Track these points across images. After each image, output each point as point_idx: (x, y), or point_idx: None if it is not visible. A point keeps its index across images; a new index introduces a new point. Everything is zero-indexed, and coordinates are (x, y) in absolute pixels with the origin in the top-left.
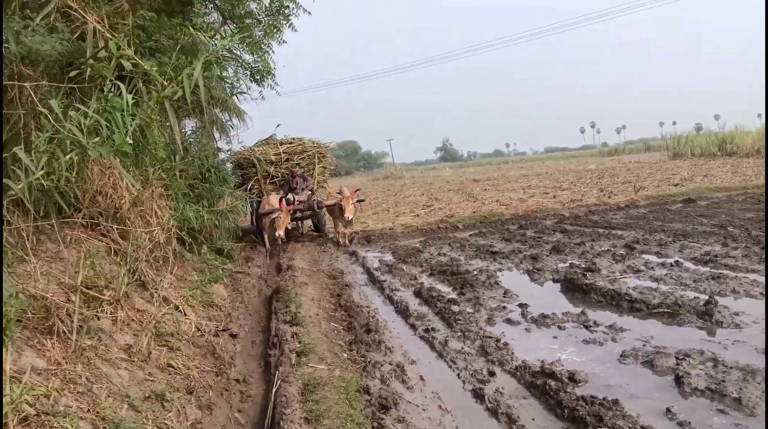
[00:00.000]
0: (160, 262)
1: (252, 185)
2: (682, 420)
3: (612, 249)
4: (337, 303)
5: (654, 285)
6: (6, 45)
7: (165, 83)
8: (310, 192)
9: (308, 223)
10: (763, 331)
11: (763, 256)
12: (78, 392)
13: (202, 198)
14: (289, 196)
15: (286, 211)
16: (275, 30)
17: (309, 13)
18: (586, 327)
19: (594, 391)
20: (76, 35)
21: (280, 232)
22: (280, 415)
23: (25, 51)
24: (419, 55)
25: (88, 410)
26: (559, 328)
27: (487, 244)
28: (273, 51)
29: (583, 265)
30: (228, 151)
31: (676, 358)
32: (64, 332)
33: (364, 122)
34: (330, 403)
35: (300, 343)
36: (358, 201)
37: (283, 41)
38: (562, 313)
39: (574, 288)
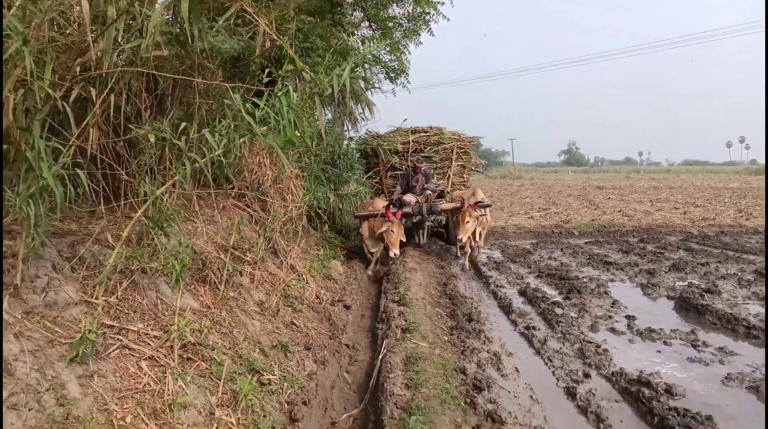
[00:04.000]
0: (291, 234)
1: (371, 176)
2: None
3: (739, 273)
4: (443, 291)
5: None
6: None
7: (318, 82)
8: (429, 193)
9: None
10: None
11: None
12: (222, 333)
13: (330, 181)
14: (408, 196)
15: (398, 222)
16: (414, 33)
17: (448, 19)
18: (694, 346)
19: (689, 405)
20: (248, 36)
21: (396, 251)
22: (384, 378)
23: (208, 47)
24: (555, 56)
25: (230, 348)
26: (665, 343)
27: (601, 254)
28: (409, 52)
29: (703, 286)
30: (355, 138)
31: None
32: (214, 283)
33: (488, 118)
34: (428, 376)
35: (406, 321)
36: (482, 206)
37: (420, 43)
38: (671, 330)
39: (688, 307)
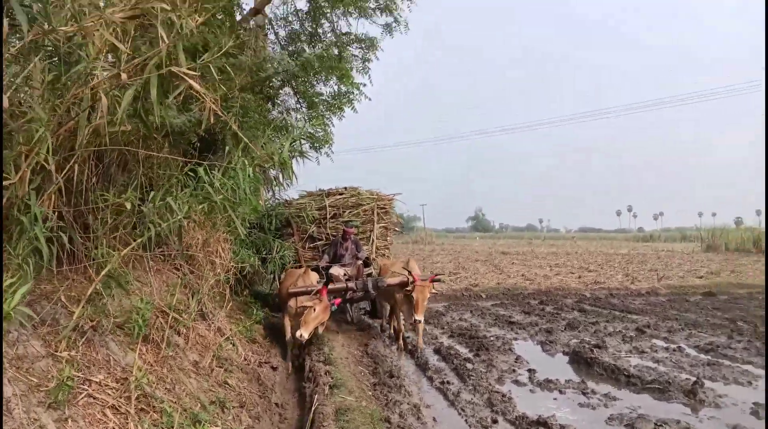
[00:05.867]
0: (218, 298)
1: (287, 248)
2: None
3: (624, 330)
4: (365, 351)
5: (653, 365)
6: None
7: (260, 154)
8: (360, 263)
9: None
10: (741, 412)
11: (762, 350)
12: (166, 388)
13: (255, 246)
14: (335, 268)
15: (326, 303)
16: (338, 109)
17: (369, 99)
18: (584, 393)
19: None
20: (193, 111)
21: (303, 333)
22: (318, 426)
23: (159, 122)
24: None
25: (175, 402)
26: (560, 392)
27: (506, 315)
28: (333, 124)
29: (593, 342)
30: (269, 201)
31: (655, 424)
32: (155, 342)
33: (400, 183)
34: (358, 424)
35: (332, 378)
36: (433, 280)
37: (343, 117)
38: (565, 380)
39: (579, 360)
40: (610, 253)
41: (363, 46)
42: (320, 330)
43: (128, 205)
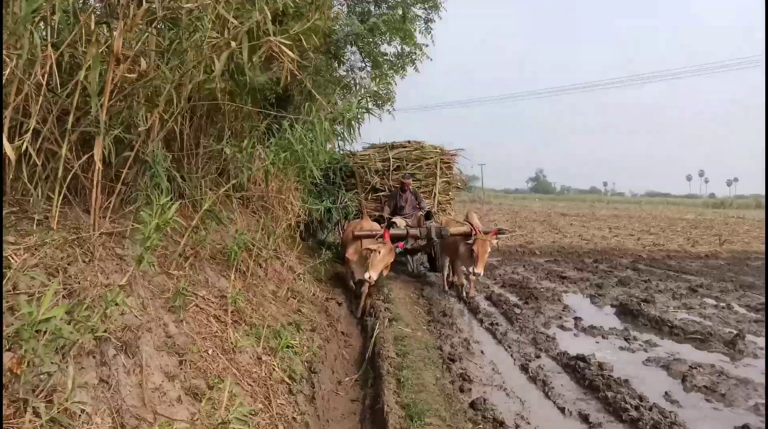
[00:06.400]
0: (289, 240)
1: (350, 199)
2: (675, 399)
3: (675, 289)
4: (420, 294)
5: (699, 319)
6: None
7: (332, 112)
8: (422, 214)
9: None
10: None
11: None
12: (252, 309)
13: (321, 195)
14: (396, 219)
15: (390, 246)
16: (401, 69)
17: (431, 59)
18: (626, 339)
19: (613, 375)
20: (273, 70)
21: (372, 274)
22: (380, 348)
23: (243, 80)
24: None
25: (261, 319)
26: (603, 337)
27: (559, 270)
28: (395, 83)
29: (642, 297)
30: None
31: (690, 366)
32: (241, 271)
33: (458, 142)
34: (413, 348)
35: (391, 313)
36: (497, 233)
37: (405, 75)
38: (609, 328)
39: (626, 312)
40: (675, 218)
41: (426, 6)
42: (384, 273)
43: (228, 151)
